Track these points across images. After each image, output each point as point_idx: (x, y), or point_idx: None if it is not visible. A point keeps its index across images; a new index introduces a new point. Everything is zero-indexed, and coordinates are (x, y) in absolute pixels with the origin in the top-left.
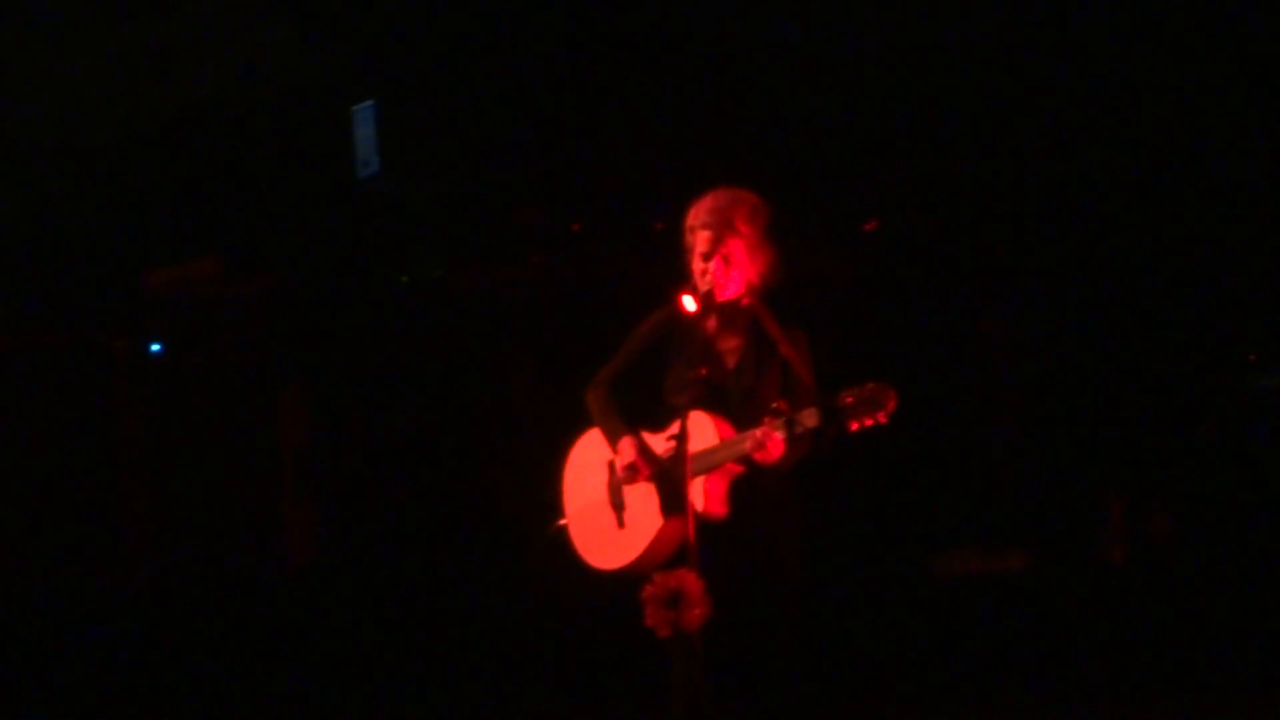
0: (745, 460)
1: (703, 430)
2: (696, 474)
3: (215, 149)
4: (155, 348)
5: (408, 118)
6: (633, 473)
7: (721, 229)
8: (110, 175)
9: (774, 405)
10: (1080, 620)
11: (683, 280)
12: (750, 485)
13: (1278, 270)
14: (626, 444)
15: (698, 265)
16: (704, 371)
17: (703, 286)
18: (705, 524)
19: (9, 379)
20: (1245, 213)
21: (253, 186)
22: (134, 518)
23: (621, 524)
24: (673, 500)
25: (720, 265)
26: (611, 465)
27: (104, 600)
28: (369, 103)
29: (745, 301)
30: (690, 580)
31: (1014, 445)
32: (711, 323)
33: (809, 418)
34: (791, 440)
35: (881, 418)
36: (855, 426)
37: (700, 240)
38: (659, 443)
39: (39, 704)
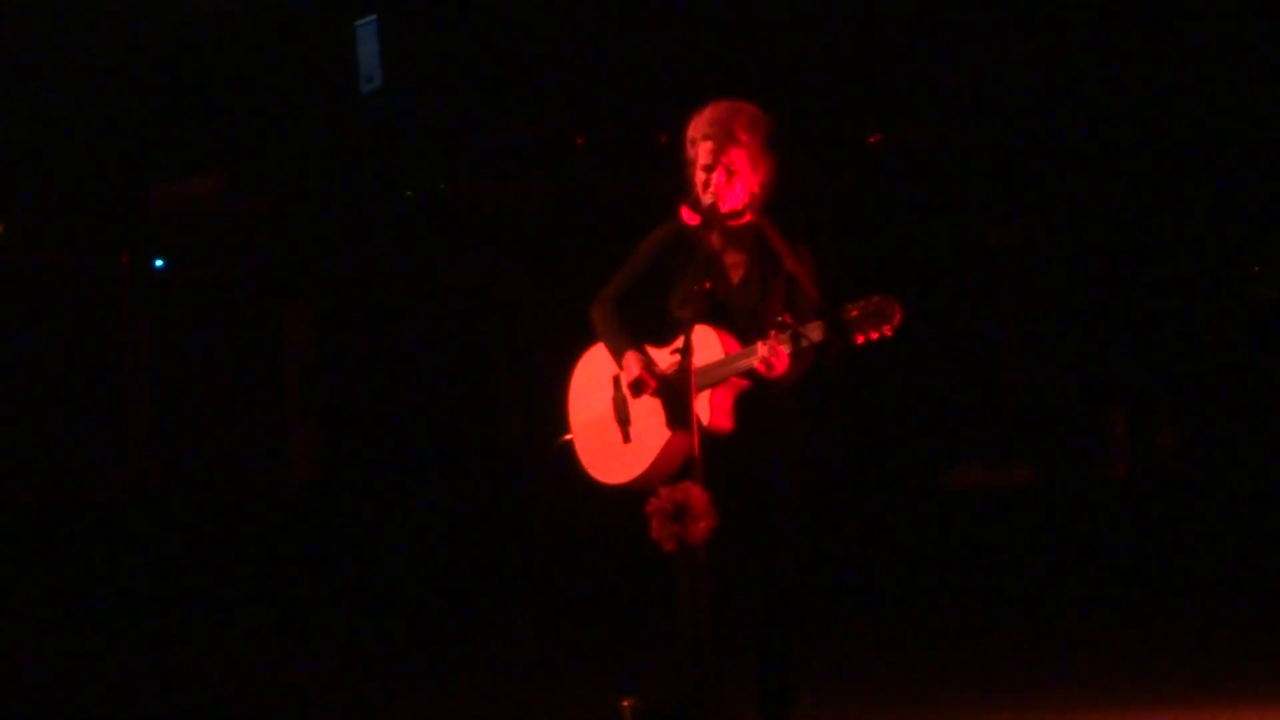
0: (750, 374)
1: (708, 344)
2: (702, 388)
3: (218, 65)
4: (159, 263)
5: (411, 33)
6: (639, 387)
7: (723, 140)
8: (114, 92)
9: (779, 319)
10: (1085, 532)
11: (684, 194)
12: (755, 400)
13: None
14: (632, 358)
15: (700, 177)
16: (708, 285)
17: (705, 199)
18: (711, 438)
19: (15, 296)
20: (1249, 124)
21: (256, 102)
22: (138, 432)
23: (627, 439)
24: (679, 414)
25: (722, 176)
26: (617, 380)
27: (108, 513)
28: (372, 18)
29: (749, 215)
30: (695, 493)
31: (1019, 360)
32: (716, 237)
33: (814, 331)
34: (796, 354)
35: (887, 331)
36: (861, 340)
37: (702, 152)
38: (664, 357)
39: (43, 613)
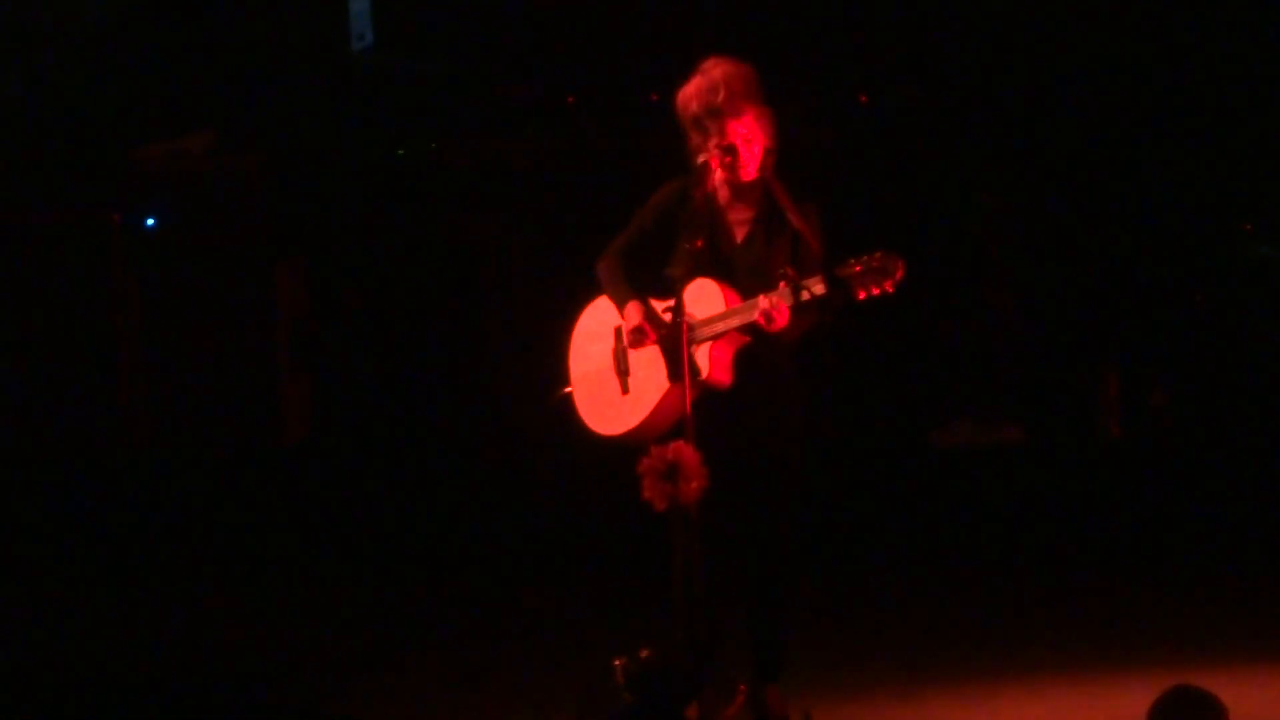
0: (751, 329)
1: (710, 298)
2: (703, 340)
3: (209, 22)
4: (150, 222)
5: None
6: (639, 336)
7: (738, 113)
8: (104, 50)
9: (781, 271)
10: (1076, 492)
11: (690, 162)
12: (754, 358)
13: (1273, 139)
14: (633, 308)
15: (723, 159)
16: (700, 243)
17: (730, 177)
18: (708, 393)
19: (5, 255)
20: (1240, 83)
21: (246, 60)
22: (131, 392)
23: (626, 390)
24: (677, 369)
25: (745, 149)
26: (618, 332)
27: (100, 472)
28: None
29: (754, 174)
30: (687, 452)
31: (1011, 318)
32: (724, 193)
33: (816, 285)
34: (797, 308)
35: (889, 286)
36: (863, 295)
37: (726, 131)
38: (668, 311)
39: (35, 574)
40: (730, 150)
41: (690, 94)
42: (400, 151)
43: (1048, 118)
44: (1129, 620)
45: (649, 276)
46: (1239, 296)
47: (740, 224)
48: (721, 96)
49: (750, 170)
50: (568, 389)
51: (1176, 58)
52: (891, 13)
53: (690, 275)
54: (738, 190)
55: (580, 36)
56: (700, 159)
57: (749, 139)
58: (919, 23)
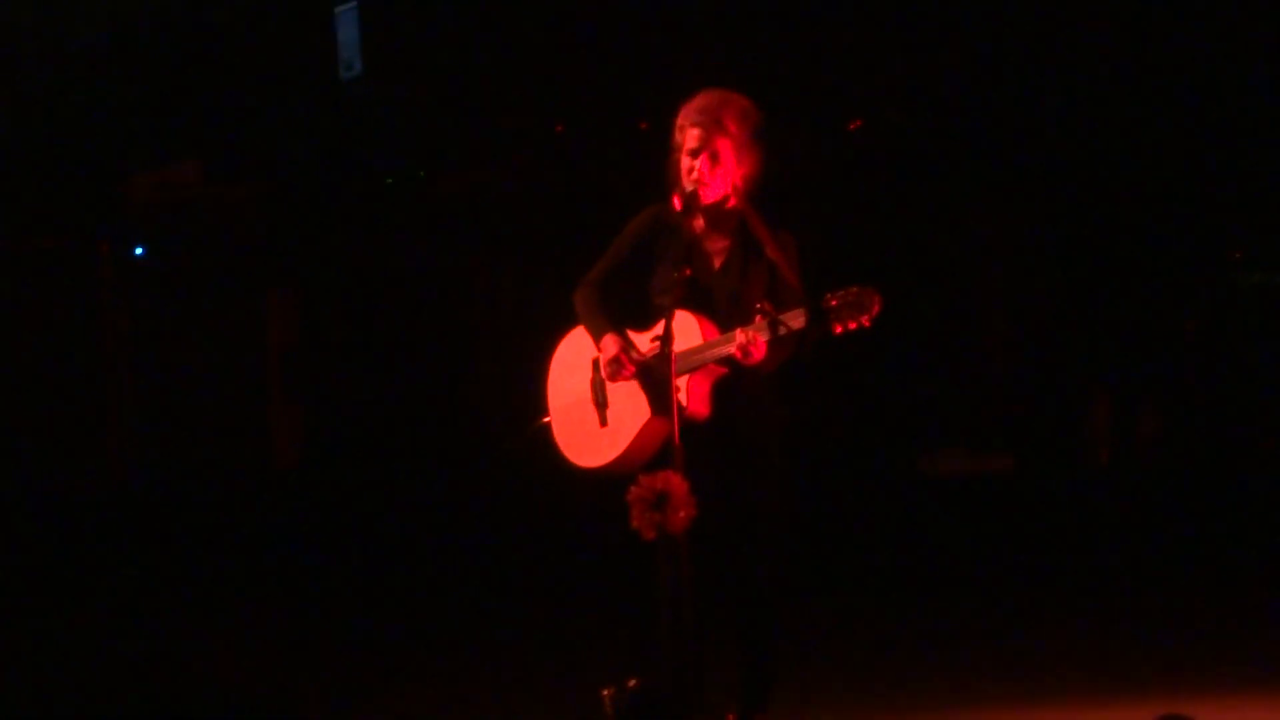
0: (728, 361)
1: (687, 330)
2: (680, 374)
3: (198, 52)
4: (139, 251)
5: (391, 19)
6: (616, 369)
7: (710, 127)
8: (92, 80)
9: (758, 306)
10: (1066, 520)
11: (667, 181)
12: (733, 387)
13: (1262, 167)
14: (610, 341)
15: (685, 162)
16: (688, 272)
17: (688, 185)
18: (688, 424)
19: None
20: (1232, 112)
21: (235, 90)
22: (121, 421)
23: (604, 422)
24: (656, 399)
25: (707, 163)
26: (596, 363)
27: (91, 501)
28: (352, 4)
29: (731, 203)
30: (675, 482)
31: (1001, 346)
32: (699, 223)
33: (794, 319)
34: (774, 342)
35: (865, 321)
36: (839, 329)
37: (689, 137)
38: (644, 342)
39: (23, 603)
40: (693, 154)
41: (682, 107)
42: (389, 180)
43: (1039, 146)
44: (1120, 647)
45: (627, 299)
46: (1229, 325)
47: (717, 253)
48: (706, 114)
49: (710, 188)
50: (545, 419)
51: (1167, 88)
52: (882, 41)
53: (677, 304)
54: (713, 219)
55: (569, 65)
56: (688, 184)
57: (718, 158)
58: (911, 51)
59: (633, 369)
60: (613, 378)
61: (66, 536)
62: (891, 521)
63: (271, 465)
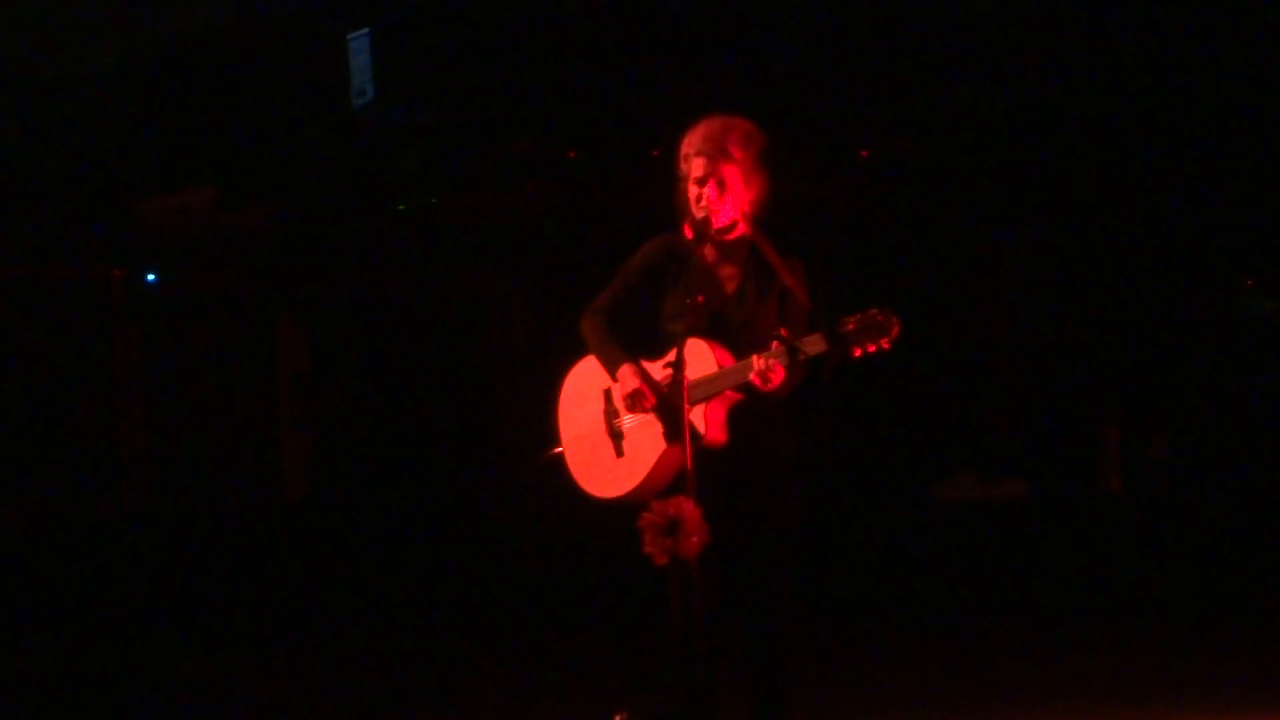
0: (745, 388)
1: (702, 358)
2: (696, 402)
3: (210, 78)
4: (151, 277)
5: (403, 46)
6: (635, 400)
7: (716, 155)
8: (106, 105)
9: (777, 333)
10: (1078, 546)
11: (676, 210)
12: (748, 412)
13: (1275, 194)
14: (628, 372)
15: (692, 191)
16: (701, 299)
17: (697, 213)
18: (704, 451)
19: (6, 310)
20: (1242, 138)
21: (248, 115)
22: (131, 447)
23: (620, 452)
24: (675, 428)
25: (714, 190)
26: (608, 393)
27: (102, 528)
28: (364, 31)
29: (739, 229)
30: (688, 508)
31: (1013, 372)
32: (710, 250)
33: (813, 345)
34: (792, 368)
35: (885, 344)
36: (858, 353)
37: (695, 166)
38: (656, 370)
39: (36, 630)
40: (699, 183)
41: (686, 136)
42: (401, 206)
43: (1048, 172)
44: (1131, 673)
45: (627, 326)
46: (1239, 351)
47: (729, 279)
48: (710, 142)
49: (718, 215)
50: (558, 449)
51: (1176, 112)
52: (892, 69)
53: (690, 331)
54: (723, 245)
55: (581, 91)
56: (698, 212)
57: (725, 185)
58: (919, 79)
59: (654, 400)
60: (632, 409)
61: (75, 563)
62: (904, 547)
63: (282, 493)
